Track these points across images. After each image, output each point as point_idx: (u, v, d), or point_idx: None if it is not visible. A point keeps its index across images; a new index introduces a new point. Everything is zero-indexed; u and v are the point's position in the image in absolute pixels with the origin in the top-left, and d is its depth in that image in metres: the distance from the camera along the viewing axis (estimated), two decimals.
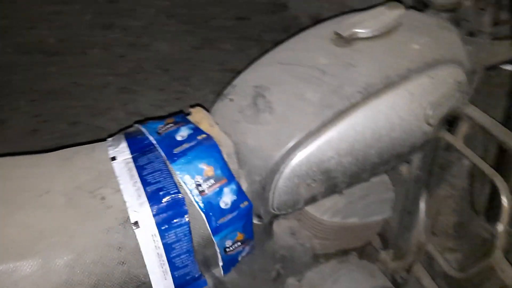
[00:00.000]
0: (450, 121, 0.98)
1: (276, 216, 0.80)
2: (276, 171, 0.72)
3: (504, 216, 0.85)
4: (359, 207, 0.96)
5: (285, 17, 2.06)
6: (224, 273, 0.75)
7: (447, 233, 1.19)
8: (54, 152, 0.74)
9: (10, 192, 0.64)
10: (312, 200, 0.78)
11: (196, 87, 2.03)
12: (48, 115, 1.82)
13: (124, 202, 0.65)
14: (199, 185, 0.66)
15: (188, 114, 0.80)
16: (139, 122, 0.81)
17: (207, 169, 0.67)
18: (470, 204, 1.14)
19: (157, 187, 0.66)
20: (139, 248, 0.64)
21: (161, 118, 0.80)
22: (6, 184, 0.65)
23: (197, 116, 0.78)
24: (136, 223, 0.64)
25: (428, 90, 0.74)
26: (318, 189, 0.75)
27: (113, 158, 0.70)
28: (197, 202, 0.66)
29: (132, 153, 0.71)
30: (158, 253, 0.65)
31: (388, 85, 0.72)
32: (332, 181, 0.75)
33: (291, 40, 0.86)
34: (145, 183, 0.67)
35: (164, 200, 0.65)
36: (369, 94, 0.72)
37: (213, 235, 0.66)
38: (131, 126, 0.81)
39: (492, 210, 1.07)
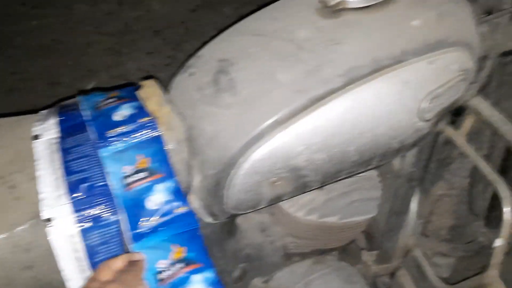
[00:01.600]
0: (455, 113, 0.85)
1: (234, 216, 0.69)
2: (233, 165, 0.59)
3: (505, 230, 0.73)
4: (339, 205, 0.84)
5: None
6: None
7: (440, 236, 1.07)
8: None
9: None
10: (277, 200, 0.66)
11: (189, 53, 1.88)
12: (26, 74, 1.70)
13: (38, 193, 0.53)
14: (127, 176, 0.54)
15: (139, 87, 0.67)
16: (84, 92, 0.68)
17: (140, 160, 0.55)
18: (469, 206, 1.02)
19: (81, 177, 0.55)
20: (52, 251, 0.53)
21: (108, 89, 0.68)
22: None
23: (147, 91, 0.65)
24: (49, 220, 0.52)
25: (425, 78, 0.60)
26: (283, 188, 0.63)
27: (36, 137, 0.58)
28: (118, 197, 0.54)
29: (61, 131, 0.59)
30: (77, 257, 0.54)
31: (377, 69, 0.59)
32: (301, 180, 0.63)
33: (272, 6, 0.72)
34: (67, 170, 0.55)
35: (88, 193, 0.54)
36: (352, 79, 0.58)
37: (133, 242, 0.54)
38: (73, 97, 0.68)
39: (493, 214, 0.95)
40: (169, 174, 0.57)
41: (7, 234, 0.51)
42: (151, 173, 0.56)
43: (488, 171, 0.77)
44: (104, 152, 0.55)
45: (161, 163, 0.57)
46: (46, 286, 0.54)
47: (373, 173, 0.88)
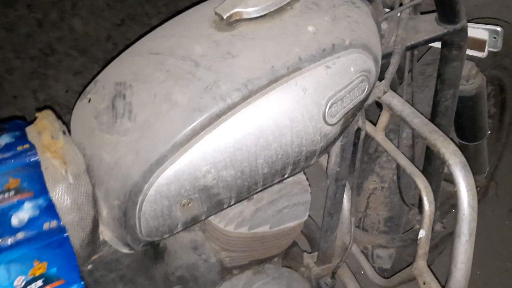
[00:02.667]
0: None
1: (152, 243, 0.66)
2: (139, 193, 0.57)
3: (426, 221, 0.74)
4: (269, 214, 0.83)
5: None
6: None
7: (378, 229, 1.09)
8: None
9: None
10: (194, 221, 0.64)
11: None
12: None
13: None
14: None
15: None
16: None
17: (12, 180, 0.53)
18: (401, 196, 1.04)
19: None
20: None
21: None
22: None
23: (41, 124, 0.61)
24: None
25: (324, 83, 0.60)
26: (198, 209, 0.61)
27: None
28: None
29: None
30: None
31: (274, 79, 0.58)
32: (214, 199, 0.61)
33: (169, 21, 0.70)
34: None
35: None
36: (251, 92, 0.57)
37: None
38: None
39: None
40: (39, 192, 0.55)
41: None
42: (19, 192, 0.54)
43: (406, 163, 0.78)
44: None
45: (31, 182, 0.55)
46: None
47: (302, 177, 0.88)
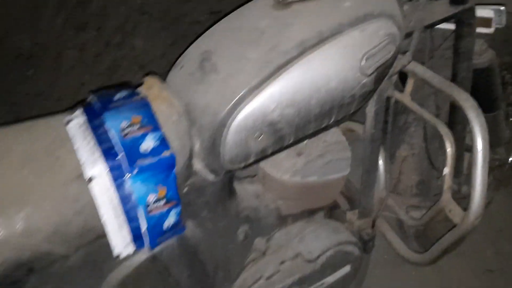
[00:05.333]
0: (400, 79, 1.04)
1: (231, 171, 0.85)
2: (224, 125, 0.76)
3: (449, 161, 0.91)
4: (317, 166, 1.01)
5: None
6: (150, 244, 0.76)
7: (410, 192, 1.24)
8: (12, 125, 0.78)
9: None
10: (263, 153, 0.82)
11: None
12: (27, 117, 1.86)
13: (79, 160, 0.69)
14: (124, 128, 0.72)
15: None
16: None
17: (134, 118, 0.73)
18: (430, 162, 1.20)
19: (109, 145, 0.71)
20: (94, 201, 0.69)
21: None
22: None
23: (149, 82, 0.83)
24: (90, 178, 0.68)
25: (359, 42, 0.79)
26: (266, 141, 0.80)
27: (68, 122, 0.75)
28: (120, 143, 0.70)
29: (86, 116, 0.76)
30: (113, 206, 0.70)
31: (322, 39, 0.78)
32: (278, 134, 0.80)
33: (237, 10, 0.91)
34: (99, 141, 0.72)
35: (117, 157, 0.70)
36: (305, 48, 0.77)
37: (132, 176, 0.70)
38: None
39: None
40: (156, 127, 0.74)
41: (60, 189, 0.67)
42: (142, 127, 0.73)
43: (431, 117, 0.96)
44: (106, 114, 0.74)
45: (149, 119, 0.74)
46: (93, 230, 0.70)
47: (342, 138, 1.06)
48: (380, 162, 1.10)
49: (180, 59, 0.88)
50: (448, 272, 1.52)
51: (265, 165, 1.00)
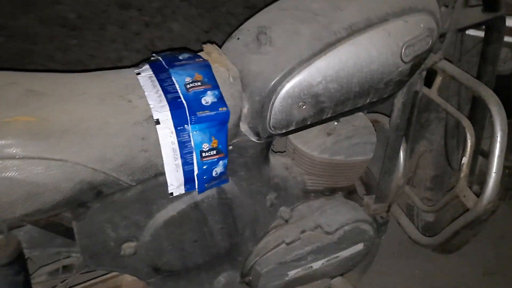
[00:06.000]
0: (429, 77, 1.13)
1: (272, 136, 0.94)
2: (274, 91, 0.86)
3: (469, 151, 0.99)
4: (344, 146, 1.10)
5: None
6: (198, 190, 0.86)
7: (424, 186, 1.33)
8: (87, 72, 0.88)
9: (52, 91, 0.78)
10: (303, 122, 0.92)
11: None
12: None
13: (148, 104, 0.79)
14: (188, 83, 0.81)
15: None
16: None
17: (197, 75, 0.83)
18: (446, 159, 1.28)
19: (175, 95, 0.81)
20: (159, 141, 0.78)
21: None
22: (48, 86, 0.79)
23: (209, 48, 0.93)
24: (157, 121, 0.78)
25: (402, 31, 0.88)
26: (307, 111, 0.89)
27: (138, 74, 0.85)
28: (183, 95, 0.80)
29: (153, 71, 0.86)
30: (173, 148, 0.79)
31: (369, 25, 0.87)
32: (320, 105, 0.89)
33: None
34: (165, 91, 0.81)
35: (181, 106, 0.80)
36: (353, 31, 0.86)
37: (191, 124, 0.79)
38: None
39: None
40: (215, 86, 0.83)
41: (131, 127, 0.77)
42: (203, 83, 0.83)
43: (455, 111, 1.05)
44: (173, 70, 0.83)
45: (209, 79, 0.83)
46: (154, 166, 0.79)
47: (369, 123, 1.15)
48: (401, 151, 1.19)
49: (236, 32, 0.98)
50: (450, 272, 1.60)
51: (296, 140, 1.10)
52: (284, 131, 0.92)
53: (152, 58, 0.93)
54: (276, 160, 1.10)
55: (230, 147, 0.92)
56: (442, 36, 1.04)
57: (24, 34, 2.00)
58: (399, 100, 1.10)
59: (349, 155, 1.11)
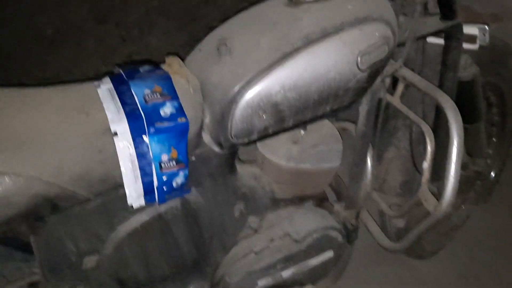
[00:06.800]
0: (392, 83, 1.15)
1: (235, 146, 0.95)
2: (233, 101, 0.87)
3: (429, 156, 1.01)
4: (311, 154, 1.12)
5: None
6: (158, 200, 0.86)
7: (394, 191, 1.34)
8: (47, 86, 0.89)
9: (9, 104, 0.79)
10: (265, 131, 0.93)
11: None
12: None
13: (106, 117, 0.80)
14: (147, 95, 0.83)
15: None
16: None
17: (156, 87, 0.84)
18: (414, 165, 1.30)
19: (133, 107, 0.82)
20: (117, 153, 0.79)
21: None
22: (5, 99, 0.80)
23: (170, 60, 0.94)
24: (115, 133, 0.79)
25: (357, 40, 0.91)
26: (268, 120, 0.91)
27: (98, 86, 0.86)
28: (141, 107, 0.81)
29: (113, 84, 0.87)
30: (131, 160, 0.80)
31: (325, 34, 0.89)
32: (279, 114, 0.91)
33: (253, 6, 1.03)
34: (124, 104, 0.82)
35: (139, 118, 0.81)
36: (310, 41, 0.88)
37: (149, 135, 0.79)
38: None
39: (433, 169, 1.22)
40: (174, 97, 0.84)
41: (88, 139, 0.78)
42: (163, 95, 0.84)
43: (416, 117, 1.07)
44: (132, 82, 0.84)
45: (169, 90, 0.85)
46: (112, 178, 0.80)
47: (335, 131, 1.17)
48: (368, 158, 1.20)
49: (199, 44, 1.00)
50: (425, 277, 1.62)
51: (264, 150, 1.11)
52: (246, 140, 0.93)
53: (114, 71, 0.94)
54: (243, 170, 1.11)
55: (193, 158, 0.93)
56: (401, 44, 1.07)
57: (0, 50, 2.00)
58: (363, 108, 1.12)
59: (316, 163, 1.12)
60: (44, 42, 2.05)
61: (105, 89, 0.86)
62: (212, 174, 0.98)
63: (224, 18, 2.35)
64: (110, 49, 2.11)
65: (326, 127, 1.17)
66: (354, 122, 1.23)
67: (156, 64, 0.96)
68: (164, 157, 0.83)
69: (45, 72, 2.04)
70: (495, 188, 1.77)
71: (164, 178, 0.84)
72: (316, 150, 1.13)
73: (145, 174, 0.82)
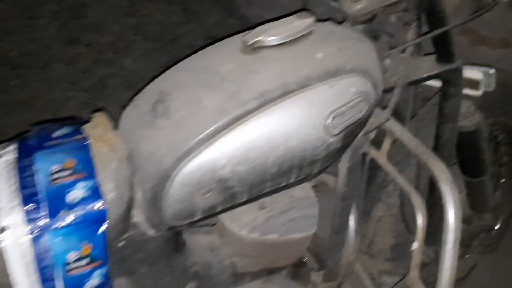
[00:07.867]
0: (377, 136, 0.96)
1: (174, 228, 0.77)
2: (167, 178, 0.69)
3: (419, 234, 0.82)
4: (279, 223, 0.93)
5: None
6: None
7: (384, 256, 1.15)
8: None
9: None
10: (212, 210, 0.75)
11: None
12: (4, 129, 1.80)
13: None
14: (54, 172, 0.64)
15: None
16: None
17: (68, 161, 0.65)
18: (405, 224, 1.11)
19: (32, 191, 0.64)
20: (4, 255, 0.61)
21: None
22: None
23: (96, 121, 0.76)
24: (3, 229, 0.61)
25: (327, 99, 0.72)
26: (214, 199, 0.72)
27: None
28: (44, 190, 0.63)
29: (19, 153, 0.69)
30: (26, 262, 0.62)
31: (286, 92, 0.70)
32: (229, 191, 0.72)
33: (206, 48, 0.85)
34: (22, 185, 0.64)
35: (38, 206, 0.62)
36: (265, 101, 0.70)
37: (52, 230, 0.62)
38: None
39: (428, 232, 1.04)
40: (91, 174, 0.66)
41: None
42: (75, 172, 0.65)
43: (405, 183, 0.88)
44: (37, 154, 0.66)
45: (85, 165, 0.67)
46: None
47: (311, 193, 0.98)
48: (351, 222, 1.01)
49: (137, 96, 0.81)
50: None
51: (223, 216, 0.92)
52: (188, 221, 0.74)
53: (27, 134, 0.76)
54: (196, 243, 0.92)
55: (122, 243, 0.74)
56: (390, 90, 0.88)
57: None
58: (344, 165, 0.93)
59: (285, 232, 0.93)
60: (8, 66, 1.89)
61: (3, 162, 0.68)
62: (149, 258, 0.80)
63: (207, 37, 2.15)
64: (80, 72, 1.94)
65: (299, 187, 0.98)
66: (335, 174, 1.04)
67: (80, 124, 0.78)
68: (72, 256, 0.64)
69: (8, 98, 1.87)
70: (504, 235, 1.57)
71: (73, 281, 0.66)
72: (286, 217, 0.93)
73: (45, 279, 0.64)
